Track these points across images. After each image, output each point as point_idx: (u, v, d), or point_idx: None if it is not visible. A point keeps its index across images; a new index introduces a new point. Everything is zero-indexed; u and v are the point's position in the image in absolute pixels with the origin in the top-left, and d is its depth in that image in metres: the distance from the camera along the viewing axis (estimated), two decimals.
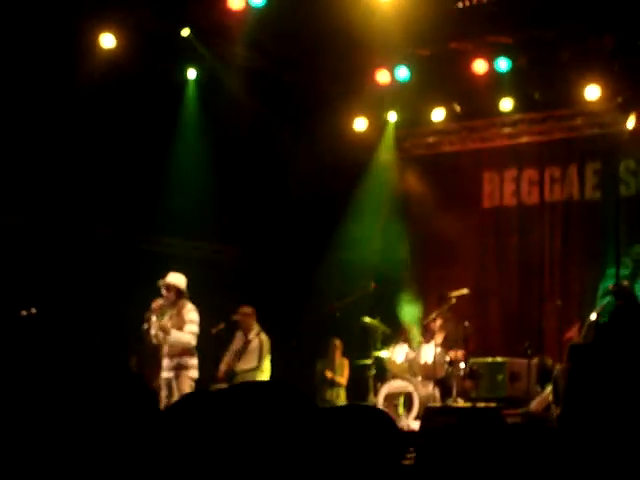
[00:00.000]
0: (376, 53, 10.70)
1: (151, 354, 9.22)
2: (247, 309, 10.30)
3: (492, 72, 10.90)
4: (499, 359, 10.96)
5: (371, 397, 10.36)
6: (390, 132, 12.63)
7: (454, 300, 10.63)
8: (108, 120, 10.03)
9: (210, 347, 9.75)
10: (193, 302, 9.06)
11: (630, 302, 7.23)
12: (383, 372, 10.75)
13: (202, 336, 9.16)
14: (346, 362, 11.16)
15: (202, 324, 9.09)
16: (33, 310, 8.43)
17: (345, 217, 12.04)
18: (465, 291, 10.73)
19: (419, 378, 10.41)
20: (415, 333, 10.86)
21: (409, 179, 12.70)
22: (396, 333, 10.91)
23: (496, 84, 11.19)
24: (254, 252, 12.09)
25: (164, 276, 9.04)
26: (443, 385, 10.40)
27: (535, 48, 10.66)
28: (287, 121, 12.10)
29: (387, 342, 10.82)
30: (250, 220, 11.87)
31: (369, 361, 10.66)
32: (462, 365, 10.36)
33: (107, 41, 9.81)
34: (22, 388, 1.67)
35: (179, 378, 8.88)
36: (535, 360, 10.12)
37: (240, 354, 10.21)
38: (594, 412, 4.03)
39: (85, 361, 1.71)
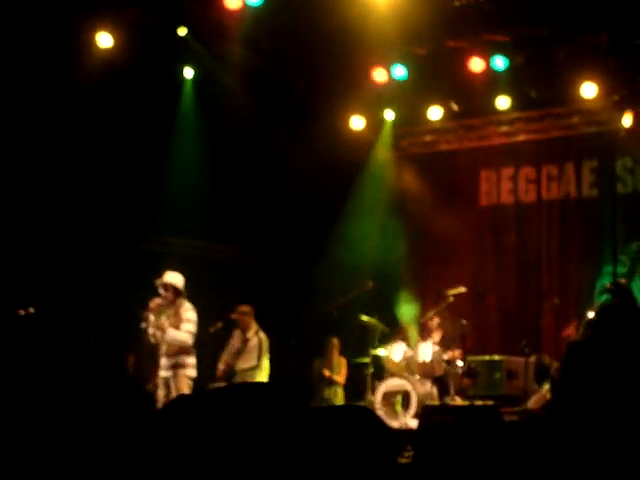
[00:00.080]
0: (373, 52, 10.70)
1: (149, 353, 9.22)
2: (245, 308, 10.29)
3: (489, 70, 10.90)
4: (496, 357, 10.98)
5: (369, 395, 10.35)
6: (387, 130, 12.64)
7: (451, 298, 10.63)
8: (106, 119, 10.03)
9: (209, 346, 9.76)
10: (192, 301, 9.05)
11: (627, 300, 7.24)
12: (381, 370, 10.74)
13: (201, 335, 9.16)
14: (344, 360, 11.17)
15: (201, 323, 9.08)
16: (31, 310, 8.43)
17: (342, 215, 12.04)
18: (462, 289, 10.73)
19: (417, 376, 10.40)
20: (413, 331, 10.85)
21: (406, 177, 12.70)
22: (394, 331, 10.90)
23: (493, 82, 11.19)
24: (252, 251, 12.10)
25: (161, 275, 9.04)
26: (441, 383, 10.41)
27: (532, 46, 10.66)
28: (284, 120, 12.11)
29: (385, 340, 10.80)
30: (248, 219, 11.87)
31: (367, 359, 10.64)
32: (460, 363, 10.36)
33: (104, 40, 9.80)
34: (19, 387, 1.67)
35: (177, 377, 8.86)
36: (532, 358, 10.13)
37: (239, 353, 10.20)
38: (583, 407, 4.05)
39: (82, 362, 1.72)
